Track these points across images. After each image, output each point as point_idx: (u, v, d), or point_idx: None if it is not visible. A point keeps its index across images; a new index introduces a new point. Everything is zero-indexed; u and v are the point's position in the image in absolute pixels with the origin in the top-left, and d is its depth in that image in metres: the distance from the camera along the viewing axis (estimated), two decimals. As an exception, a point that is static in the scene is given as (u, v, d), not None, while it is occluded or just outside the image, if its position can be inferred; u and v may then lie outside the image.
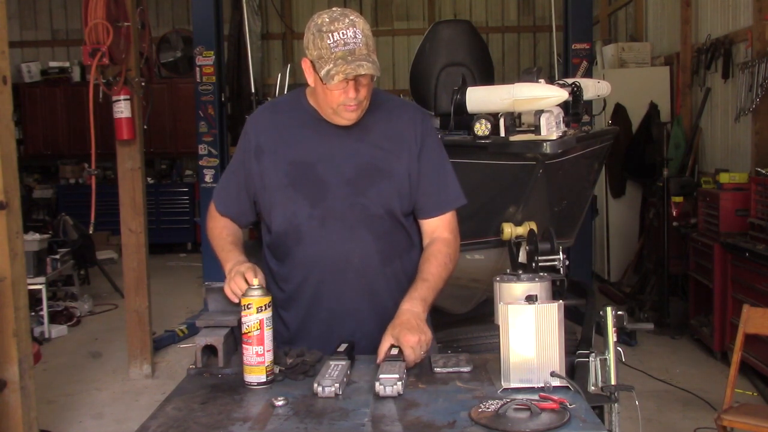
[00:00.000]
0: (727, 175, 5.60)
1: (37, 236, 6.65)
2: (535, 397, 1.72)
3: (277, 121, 2.25)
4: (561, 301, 1.81)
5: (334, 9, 2.04)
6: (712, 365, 5.37)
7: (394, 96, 2.40)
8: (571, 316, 2.17)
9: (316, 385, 1.78)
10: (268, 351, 1.88)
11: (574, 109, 4.08)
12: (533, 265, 2.21)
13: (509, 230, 3.74)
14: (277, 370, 1.91)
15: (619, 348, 1.88)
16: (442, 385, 1.86)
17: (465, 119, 3.93)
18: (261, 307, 1.89)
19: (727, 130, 6.49)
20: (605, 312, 1.88)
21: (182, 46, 10.79)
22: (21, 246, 3.26)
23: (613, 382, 1.84)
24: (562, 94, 3.66)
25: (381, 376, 1.79)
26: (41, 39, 11.46)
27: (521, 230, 3.69)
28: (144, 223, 5.38)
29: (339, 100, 2.06)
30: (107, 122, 5.14)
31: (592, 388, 1.85)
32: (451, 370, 1.95)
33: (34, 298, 6.38)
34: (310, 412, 1.69)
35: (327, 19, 1.99)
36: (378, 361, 1.95)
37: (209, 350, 2.01)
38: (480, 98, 3.88)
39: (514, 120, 3.77)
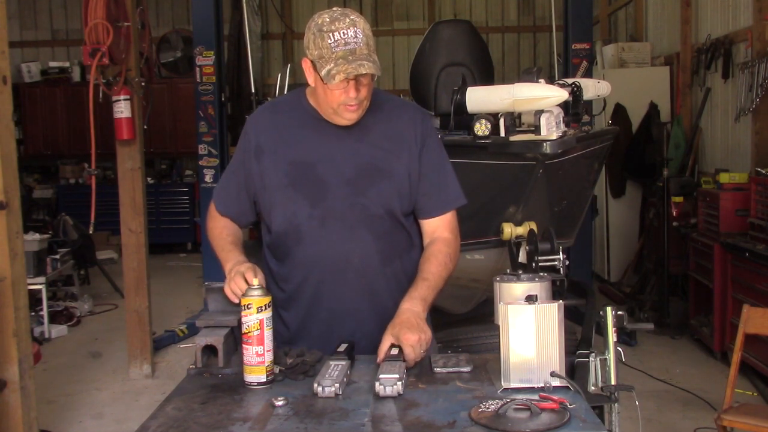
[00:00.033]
0: (727, 175, 5.60)
1: (37, 236, 6.65)
2: (535, 397, 1.72)
3: (277, 121, 2.25)
4: (561, 301, 1.81)
5: (334, 9, 2.04)
6: (712, 365, 5.37)
7: (394, 96, 2.40)
8: (571, 316, 2.17)
9: (316, 385, 1.78)
10: (268, 351, 1.88)
11: (574, 109, 4.08)
12: (533, 265, 2.21)
13: (509, 230, 3.74)
14: (277, 370, 1.91)
15: (619, 348, 1.88)
16: (442, 385, 1.86)
17: (465, 119, 3.93)
18: (261, 307, 1.89)
19: (727, 130, 6.49)
20: (605, 312, 1.88)
21: (182, 46, 10.79)
22: (21, 246, 3.26)
23: (613, 382, 1.84)
24: (562, 94, 3.66)
25: (381, 376, 1.79)
26: (41, 39, 11.46)
27: (521, 230, 3.69)
28: (144, 223, 5.38)
29: (340, 100, 2.06)
30: (107, 122, 5.14)
31: (592, 388, 1.85)
32: (451, 370, 1.95)
33: (34, 298, 6.38)
34: (310, 412, 1.69)
35: (327, 19, 1.99)
36: (378, 360, 1.95)
37: (209, 350, 2.01)
38: (480, 98, 3.88)
39: (514, 120, 3.77)
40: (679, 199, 6.19)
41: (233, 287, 2.04)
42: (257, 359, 1.87)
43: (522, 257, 2.38)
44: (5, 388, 3.15)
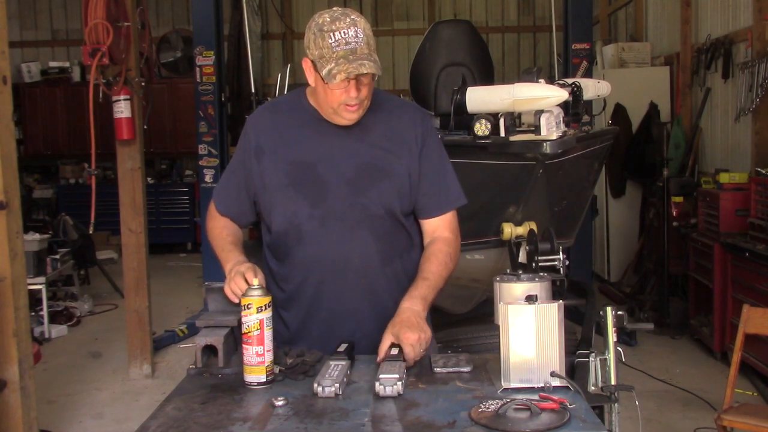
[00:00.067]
0: (727, 175, 5.60)
1: (37, 236, 6.65)
2: (535, 397, 1.72)
3: (277, 121, 2.25)
4: (561, 301, 1.81)
5: (334, 9, 2.04)
6: (712, 365, 5.37)
7: (394, 96, 2.40)
8: (571, 316, 2.17)
9: (316, 385, 1.78)
10: (268, 351, 1.88)
11: (574, 109, 4.08)
12: (533, 265, 2.21)
13: (509, 230, 3.74)
14: (277, 370, 1.91)
15: (619, 348, 1.88)
16: (442, 385, 1.86)
17: (465, 119, 3.93)
18: (261, 307, 1.89)
19: (727, 130, 6.49)
20: (605, 312, 1.88)
21: (182, 46, 10.79)
22: (21, 246, 3.26)
23: (613, 382, 1.84)
24: (562, 94, 3.66)
25: (381, 376, 1.79)
26: (41, 39, 11.46)
27: (521, 230, 3.69)
28: (144, 223, 5.38)
29: (340, 100, 2.06)
30: (107, 122, 5.14)
31: (592, 388, 1.85)
32: (451, 370, 1.95)
33: (34, 298, 6.38)
34: (310, 412, 1.69)
35: (328, 19, 1.99)
36: (378, 359, 1.96)
37: (209, 350, 2.01)
38: (480, 98, 3.88)
39: (514, 120, 3.77)
40: (679, 199, 6.19)
41: (233, 287, 2.04)
42: (257, 359, 1.87)
43: (522, 257, 2.38)
44: (5, 388, 3.15)
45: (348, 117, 2.11)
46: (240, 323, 1.94)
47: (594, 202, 6.39)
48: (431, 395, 1.79)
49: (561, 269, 2.29)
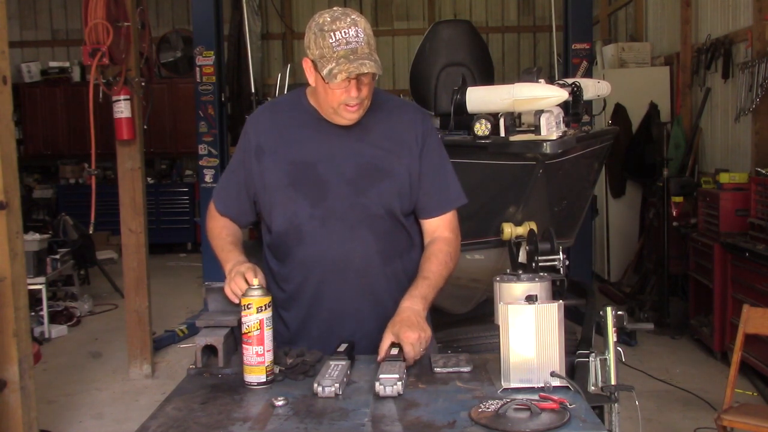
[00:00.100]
0: (727, 175, 5.60)
1: (37, 236, 6.65)
2: (535, 397, 1.72)
3: (278, 121, 2.25)
4: (561, 301, 1.81)
5: (335, 8, 2.04)
6: (712, 365, 5.37)
7: (395, 96, 2.40)
8: (571, 316, 2.17)
9: (316, 385, 1.78)
10: (268, 351, 1.88)
11: (574, 109, 4.08)
12: (533, 265, 2.21)
13: (509, 230, 3.74)
14: (277, 370, 1.91)
15: (619, 348, 1.88)
16: (442, 385, 1.86)
17: (465, 119, 3.93)
18: (261, 307, 1.89)
19: (727, 130, 6.49)
20: (605, 312, 1.88)
21: (182, 46, 10.79)
22: (21, 246, 3.25)
23: (613, 382, 1.85)
24: (562, 94, 3.66)
25: (381, 376, 1.79)
26: (41, 39, 11.46)
27: (521, 230, 3.69)
28: (144, 223, 5.38)
29: (341, 99, 2.06)
30: (107, 122, 5.14)
31: (592, 388, 1.85)
32: (451, 370, 1.95)
33: (34, 298, 6.38)
34: (310, 412, 1.69)
35: (328, 19, 1.99)
36: (379, 359, 1.96)
37: (209, 350, 2.01)
38: (480, 98, 3.88)
39: (514, 120, 3.77)
40: (679, 199, 6.19)
41: (233, 287, 2.04)
42: (257, 359, 1.87)
43: (522, 257, 2.38)
44: (5, 388, 3.15)
45: (348, 117, 2.11)
46: (240, 323, 1.94)
47: (594, 202, 6.39)
48: (431, 395, 1.79)
49: (561, 269, 2.29)
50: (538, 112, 3.61)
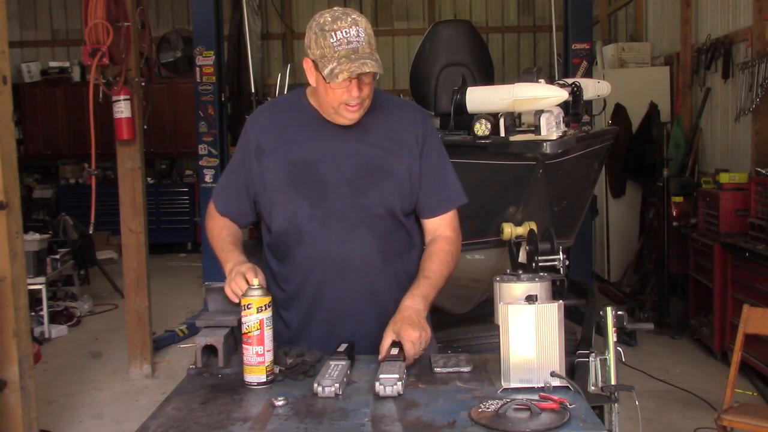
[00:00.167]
0: (727, 175, 5.60)
1: (37, 236, 6.65)
2: (535, 397, 1.72)
3: (278, 121, 2.25)
4: (561, 301, 1.81)
5: (335, 8, 2.04)
6: (712, 365, 5.37)
7: (395, 96, 2.40)
8: (571, 316, 2.17)
9: (316, 385, 1.78)
10: (268, 351, 1.88)
11: (574, 109, 4.08)
12: (533, 265, 2.21)
13: (509, 230, 3.74)
14: (277, 370, 1.91)
15: (619, 348, 1.88)
16: (442, 385, 1.86)
17: (465, 119, 3.93)
18: (261, 307, 1.89)
19: (727, 130, 6.49)
20: (605, 312, 1.88)
21: (182, 46, 10.79)
22: (21, 246, 3.25)
23: (613, 382, 1.85)
24: (562, 94, 3.66)
25: (381, 376, 1.79)
26: (41, 39, 11.46)
27: (521, 230, 3.69)
28: (144, 223, 5.38)
29: (341, 99, 2.06)
30: (107, 122, 5.14)
31: (592, 388, 1.85)
32: (451, 370, 1.95)
33: (34, 298, 6.38)
34: (310, 412, 1.69)
35: (329, 18, 1.99)
36: (380, 357, 1.96)
37: (209, 350, 2.01)
38: (480, 98, 3.88)
39: (514, 120, 3.77)
40: (679, 199, 6.19)
41: (234, 287, 2.04)
42: (257, 359, 1.87)
43: (522, 257, 2.38)
44: (5, 388, 3.15)
45: (349, 116, 2.11)
46: (240, 323, 1.94)
47: (594, 202, 6.39)
48: (431, 395, 1.79)
49: (561, 269, 2.29)
50: (538, 112, 3.61)
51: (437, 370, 1.95)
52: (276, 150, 2.20)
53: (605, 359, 1.86)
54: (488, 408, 1.65)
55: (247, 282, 1.99)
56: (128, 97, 5.09)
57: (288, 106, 2.27)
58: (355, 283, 2.17)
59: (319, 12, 2.05)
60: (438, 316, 2.57)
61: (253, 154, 2.21)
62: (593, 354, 1.88)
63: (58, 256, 6.92)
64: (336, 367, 1.86)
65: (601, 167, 5.11)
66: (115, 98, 5.06)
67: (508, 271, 2.01)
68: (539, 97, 3.63)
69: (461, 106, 3.91)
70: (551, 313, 1.77)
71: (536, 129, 3.62)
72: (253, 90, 5.34)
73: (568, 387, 1.76)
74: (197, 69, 6.61)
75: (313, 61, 2.04)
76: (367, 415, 1.67)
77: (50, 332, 6.52)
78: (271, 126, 2.24)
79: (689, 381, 5.04)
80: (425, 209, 2.24)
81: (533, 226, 3.57)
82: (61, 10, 11.47)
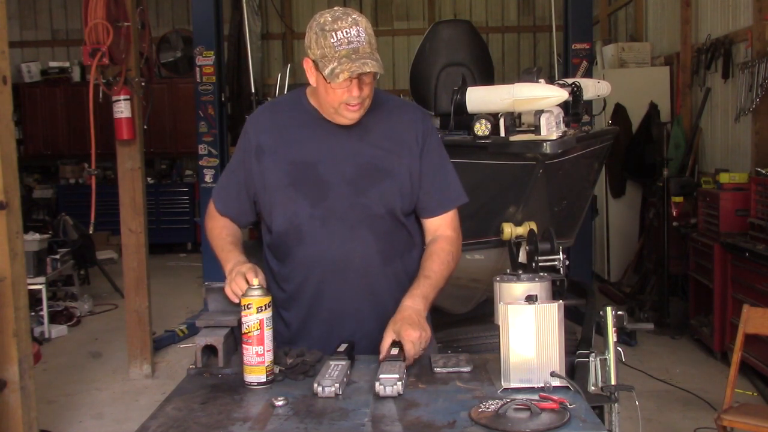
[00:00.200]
0: (727, 175, 5.60)
1: (37, 236, 6.65)
2: (535, 397, 1.72)
3: (278, 121, 2.25)
4: (561, 301, 1.81)
5: (335, 8, 2.04)
6: (712, 365, 5.37)
7: (395, 96, 2.40)
8: (571, 316, 2.17)
9: (316, 385, 1.78)
10: (268, 351, 1.88)
11: (574, 109, 4.08)
12: (533, 265, 2.21)
13: (509, 230, 3.74)
14: (277, 370, 1.91)
15: (619, 348, 1.88)
16: (442, 385, 1.86)
17: (465, 119, 3.93)
18: (261, 307, 1.89)
19: (727, 130, 6.49)
20: (605, 312, 1.88)
21: (182, 46, 10.79)
22: (21, 246, 3.25)
23: (613, 382, 1.85)
24: (562, 94, 3.66)
25: (381, 376, 1.79)
26: (41, 39, 11.46)
27: (521, 230, 3.69)
28: (144, 223, 5.38)
29: (342, 99, 2.06)
30: (107, 122, 5.14)
31: (592, 388, 1.85)
32: (451, 370, 1.95)
33: (34, 298, 6.38)
34: (310, 412, 1.69)
35: (330, 18, 1.99)
36: (381, 357, 1.96)
37: (209, 350, 2.01)
38: (480, 98, 3.88)
39: (514, 120, 3.77)
40: (679, 199, 6.19)
41: (234, 287, 2.04)
42: (257, 359, 1.87)
43: (522, 257, 2.38)
44: (5, 388, 3.15)
45: (349, 116, 2.11)
46: (240, 323, 1.94)
47: (594, 202, 6.39)
48: (431, 395, 1.79)
49: (561, 269, 2.29)
50: (538, 112, 3.61)
51: (437, 370, 1.95)
52: (276, 150, 2.20)
53: (605, 359, 1.86)
54: (488, 408, 1.65)
55: (247, 282, 1.99)
56: (128, 97, 5.09)
57: (288, 106, 2.27)
58: (356, 283, 2.17)
59: (319, 12, 2.05)
60: (438, 316, 2.57)
61: (253, 154, 2.21)
62: (593, 354, 1.88)
63: (58, 256, 6.92)
64: (336, 367, 1.86)
65: (601, 167, 5.11)
66: (115, 98, 5.06)
67: (508, 271, 2.01)
68: (539, 97, 3.63)
69: (461, 106, 3.91)
70: (551, 313, 1.77)
71: (536, 129, 3.62)
72: (253, 90, 5.34)
73: (568, 387, 1.76)
74: (197, 69, 6.61)
75: (313, 61, 2.04)
76: (367, 415, 1.67)
77: (50, 332, 6.52)
78: (271, 126, 2.24)
79: (689, 381, 5.04)
80: (425, 209, 2.24)
81: (533, 226, 3.57)
82: (61, 10, 11.47)
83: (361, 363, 2.00)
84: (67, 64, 11.01)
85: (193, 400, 1.79)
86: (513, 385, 1.78)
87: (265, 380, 1.87)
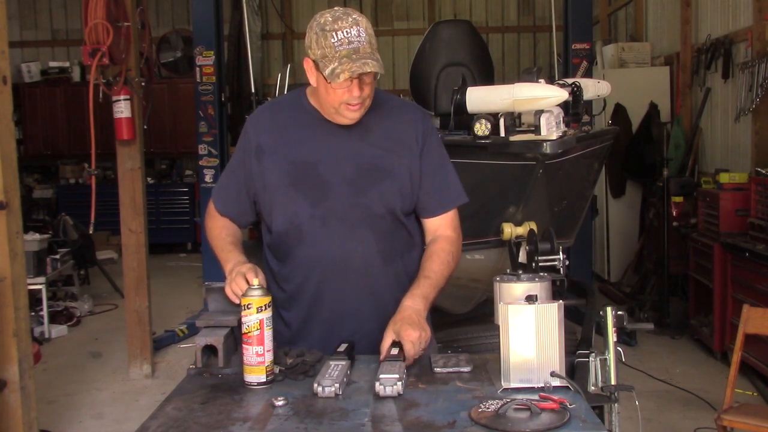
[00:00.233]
0: (727, 175, 5.60)
1: (37, 236, 6.65)
2: (535, 397, 1.72)
3: (278, 121, 2.25)
4: (561, 301, 1.81)
5: (336, 8, 2.04)
6: (712, 365, 5.37)
7: (395, 96, 2.40)
8: (571, 316, 2.17)
9: (316, 385, 1.78)
10: (268, 351, 1.88)
11: (574, 109, 4.08)
12: (533, 265, 2.21)
13: (509, 230, 3.74)
14: (277, 370, 1.91)
15: (619, 348, 1.88)
16: (442, 385, 1.86)
17: (465, 119, 3.93)
18: (261, 307, 1.89)
19: (727, 130, 6.49)
20: (605, 312, 1.88)
21: (182, 46, 10.79)
22: (21, 246, 3.25)
23: (613, 382, 1.84)
24: (562, 94, 3.66)
25: (381, 376, 1.79)
26: (41, 39, 11.46)
27: (521, 230, 3.69)
28: (144, 223, 5.38)
29: (342, 99, 2.06)
30: (107, 122, 5.14)
31: (592, 388, 1.85)
32: (451, 370, 1.95)
33: (34, 298, 6.38)
34: (310, 412, 1.69)
35: (330, 18, 1.99)
36: (381, 358, 1.96)
37: (209, 350, 2.01)
38: (480, 98, 3.88)
39: (514, 120, 3.77)
40: (679, 199, 6.19)
41: (234, 288, 2.04)
42: (257, 359, 1.87)
43: (522, 257, 2.38)
44: (5, 388, 3.15)
45: (350, 116, 2.11)
46: (240, 323, 1.94)
47: (594, 202, 6.39)
48: (431, 395, 1.79)
49: (561, 269, 2.29)
50: (538, 112, 3.61)
51: (437, 370, 1.95)
52: (276, 150, 2.20)
53: (605, 359, 1.86)
54: (488, 408, 1.65)
55: (247, 282, 1.99)
56: (128, 97, 5.09)
57: (288, 106, 2.27)
58: (356, 283, 2.17)
59: (319, 12, 2.05)
60: (438, 316, 2.57)
61: (253, 154, 2.21)
62: (593, 354, 1.88)
63: (58, 256, 6.92)
64: (336, 367, 1.86)
65: (601, 167, 5.11)
66: (115, 98, 5.06)
67: (508, 271, 2.01)
68: (539, 97, 3.63)
69: (461, 106, 3.91)
70: (551, 313, 1.77)
71: (536, 129, 3.62)
72: (253, 90, 5.34)
73: (568, 387, 1.76)
74: (197, 69, 6.61)
75: (313, 61, 2.04)
76: (367, 415, 1.67)
77: (50, 332, 6.52)
78: (271, 126, 2.24)
79: (689, 381, 5.04)
80: (426, 209, 2.25)
81: (533, 226, 3.57)
82: (61, 10, 11.47)
83: (361, 363, 2.00)
84: (67, 64, 11.02)
85: (193, 400, 1.79)
86: (513, 385, 1.78)
87: (265, 380, 1.87)
